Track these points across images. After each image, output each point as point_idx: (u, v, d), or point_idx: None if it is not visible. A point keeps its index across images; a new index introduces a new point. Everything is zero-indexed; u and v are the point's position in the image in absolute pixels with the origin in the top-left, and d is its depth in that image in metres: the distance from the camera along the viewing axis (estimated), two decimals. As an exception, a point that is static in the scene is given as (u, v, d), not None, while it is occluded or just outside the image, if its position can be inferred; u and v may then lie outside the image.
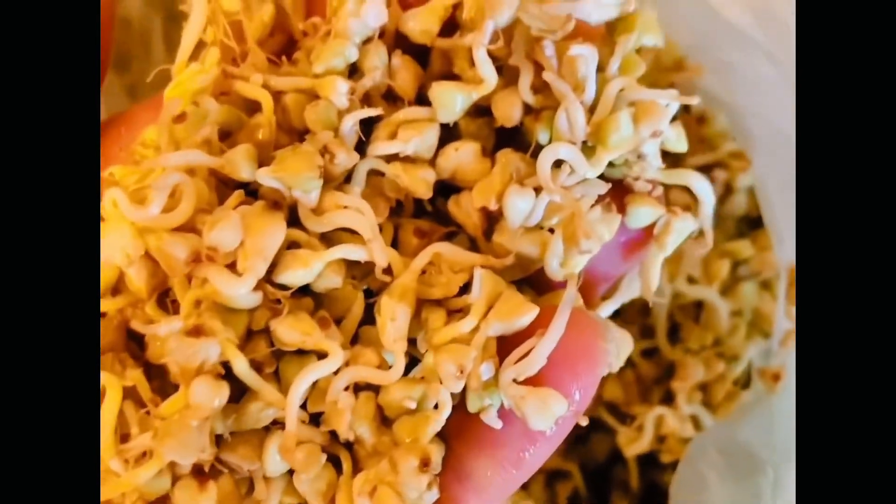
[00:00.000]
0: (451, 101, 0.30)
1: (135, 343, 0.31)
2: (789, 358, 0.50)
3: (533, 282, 0.32)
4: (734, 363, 0.54)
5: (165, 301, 0.30)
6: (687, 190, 0.33)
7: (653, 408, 0.53)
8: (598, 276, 0.34)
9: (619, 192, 0.32)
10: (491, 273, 0.29)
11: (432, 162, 0.31)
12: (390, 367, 0.29)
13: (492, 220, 0.31)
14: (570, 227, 0.29)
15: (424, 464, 0.27)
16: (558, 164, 0.30)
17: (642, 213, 0.32)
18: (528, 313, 0.29)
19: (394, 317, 0.28)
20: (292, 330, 0.28)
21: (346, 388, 0.28)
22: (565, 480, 0.56)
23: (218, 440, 0.28)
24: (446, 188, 0.32)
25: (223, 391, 0.27)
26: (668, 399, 0.55)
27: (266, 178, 0.29)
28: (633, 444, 0.54)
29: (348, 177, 0.30)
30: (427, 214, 0.32)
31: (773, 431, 0.49)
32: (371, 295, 0.30)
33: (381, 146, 0.31)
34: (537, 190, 0.30)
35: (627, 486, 0.57)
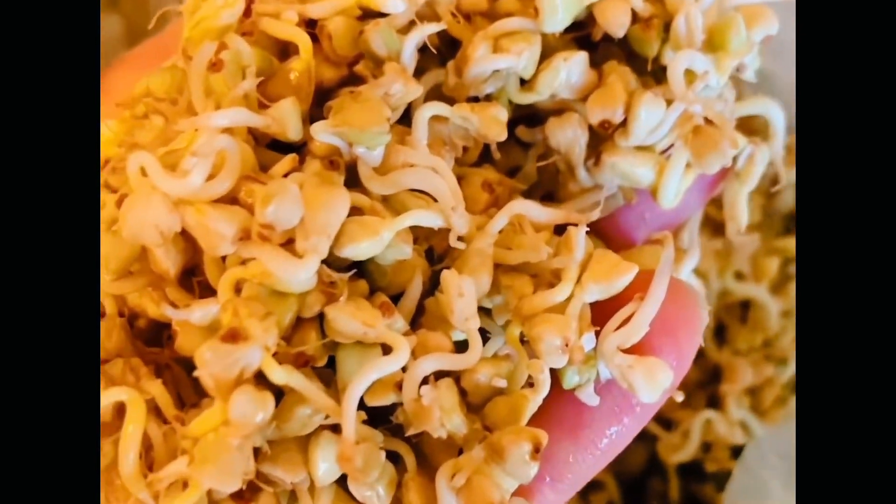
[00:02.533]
0: (557, 5, 0.26)
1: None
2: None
3: (603, 236, 0.28)
4: (783, 366, 0.51)
5: (188, 283, 0.25)
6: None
7: (699, 412, 0.50)
8: (669, 218, 0.30)
9: None
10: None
11: (532, 81, 0.27)
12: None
13: (597, 143, 0.27)
14: (702, 138, 0.26)
15: (536, 449, 0.23)
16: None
17: None
18: (627, 273, 0.25)
19: (461, 292, 0.24)
20: (352, 319, 0.23)
21: (424, 381, 0.24)
22: (599, 491, 0.52)
23: (256, 452, 0.24)
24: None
25: (268, 404, 0.22)
26: (712, 404, 0.51)
27: (325, 134, 0.24)
28: (677, 451, 0.51)
29: (400, 118, 0.26)
30: (487, 162, 0.28)
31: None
32: (432, 259, 0.26)
33: (484, 62, 0.26)
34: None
35: (665, 498, 0.53)
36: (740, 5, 0.28)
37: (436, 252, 0.26)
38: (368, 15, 0.27)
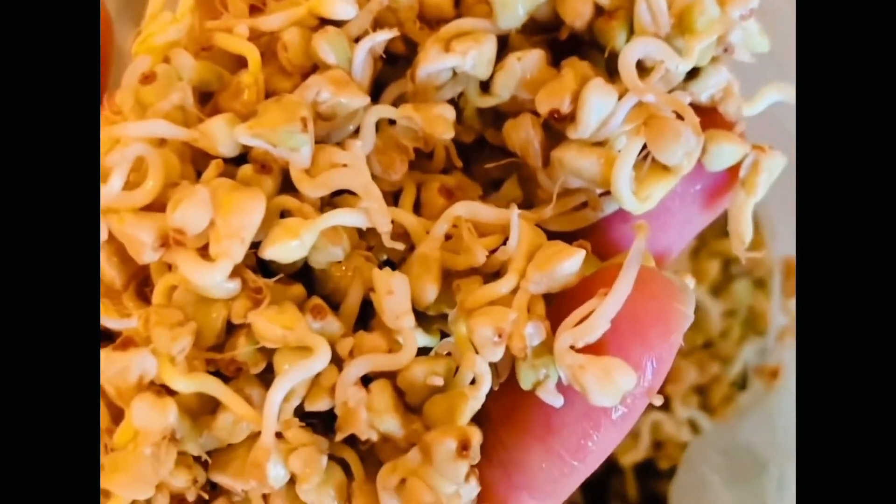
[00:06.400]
0: (508, 1, 0.24)
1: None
2: (787, 354, 0.45)
3: (597, 250, 0.25)
4: (729, 364, 0.50)
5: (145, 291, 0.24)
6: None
7: (648, 413, 0.49)
8: (671, 235, 0.27)
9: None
10: (529, 223, 0.23)
11: (488, 83, 0.25)
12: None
13: (552, 145, 0.25)
14: (658, 127, 0.23)
15: (463, 447, 0.21)
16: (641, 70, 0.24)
17: (725, 152, 0.25)
18: (568, 258, 0.22)
19: (390, 289, 0.22)
20: (272, 324, 0.22)
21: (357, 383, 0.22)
22: (561, 493, 0.51)
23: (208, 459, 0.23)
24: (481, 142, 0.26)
25: (169, 409, 0.22)
26: (665, 404, 0.50)
27: (244, 136, 0.22)
28: (629, 452, 0.50)
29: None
30: (467, 172, 0.26)
31: (774, 430, 0.45)
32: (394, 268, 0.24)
33: (431, 64, 0.24)
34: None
35: (626, 497, 0.52)
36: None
37: (395, 261, 0.25)
38: (327, 24, 0.25)
